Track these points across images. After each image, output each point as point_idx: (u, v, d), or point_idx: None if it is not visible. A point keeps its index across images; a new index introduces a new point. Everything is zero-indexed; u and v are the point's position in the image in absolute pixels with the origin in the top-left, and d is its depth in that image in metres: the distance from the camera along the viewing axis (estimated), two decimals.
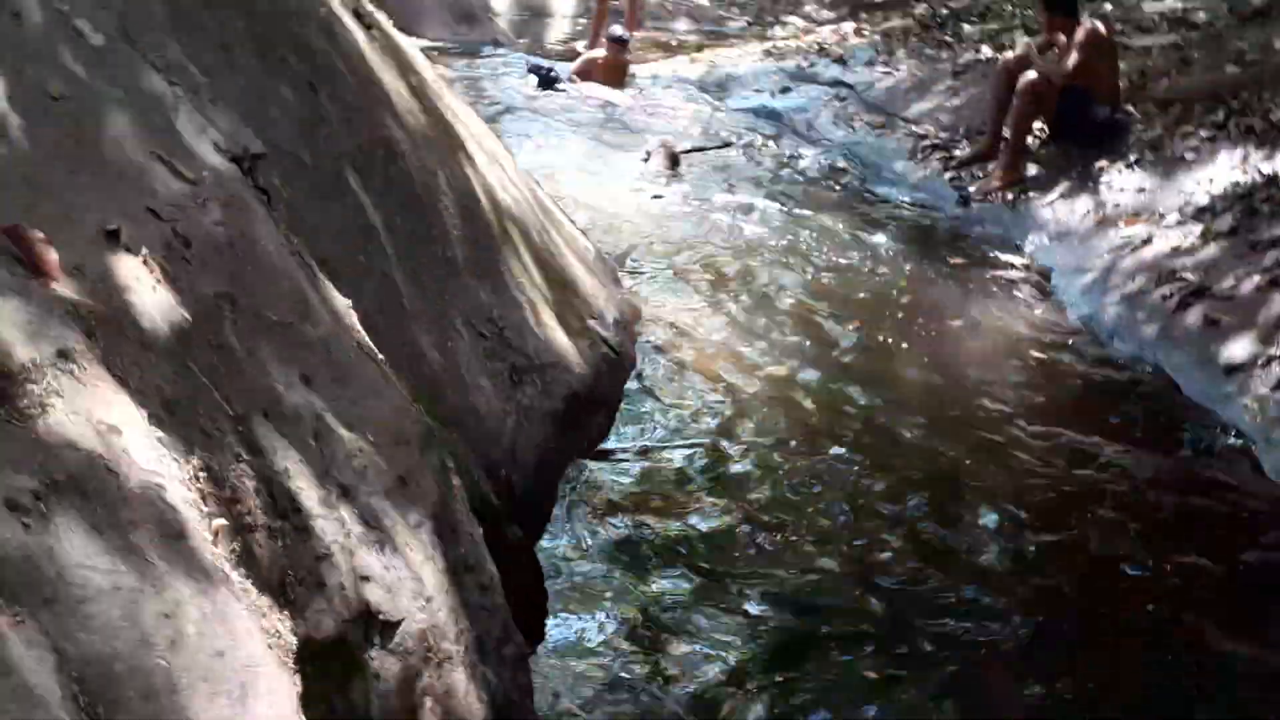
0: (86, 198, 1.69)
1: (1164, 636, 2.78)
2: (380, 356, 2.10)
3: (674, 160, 6.88)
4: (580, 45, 10.37)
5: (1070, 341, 4.66)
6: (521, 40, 11.18)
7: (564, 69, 9.20)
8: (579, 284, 3.69)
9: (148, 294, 1.56)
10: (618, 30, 9.26)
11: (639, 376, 3.64)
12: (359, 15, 3.50)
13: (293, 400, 1.70)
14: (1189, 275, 4.67)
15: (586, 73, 9.04)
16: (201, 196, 1.87)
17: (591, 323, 3.53)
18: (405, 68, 3.53)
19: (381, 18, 3.83)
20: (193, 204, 1.84)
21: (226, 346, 1.66)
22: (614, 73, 8.89)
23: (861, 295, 4.88)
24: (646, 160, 6.88)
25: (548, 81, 9.02)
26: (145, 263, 1.60)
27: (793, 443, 3.41)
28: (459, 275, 2.91)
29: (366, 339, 2.11)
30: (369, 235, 2.62)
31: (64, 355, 1.33)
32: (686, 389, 3.64)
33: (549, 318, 3.25)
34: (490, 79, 8.94)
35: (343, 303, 2.10)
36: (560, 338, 3.20)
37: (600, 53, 9.17)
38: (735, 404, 3.59)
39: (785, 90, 8.84)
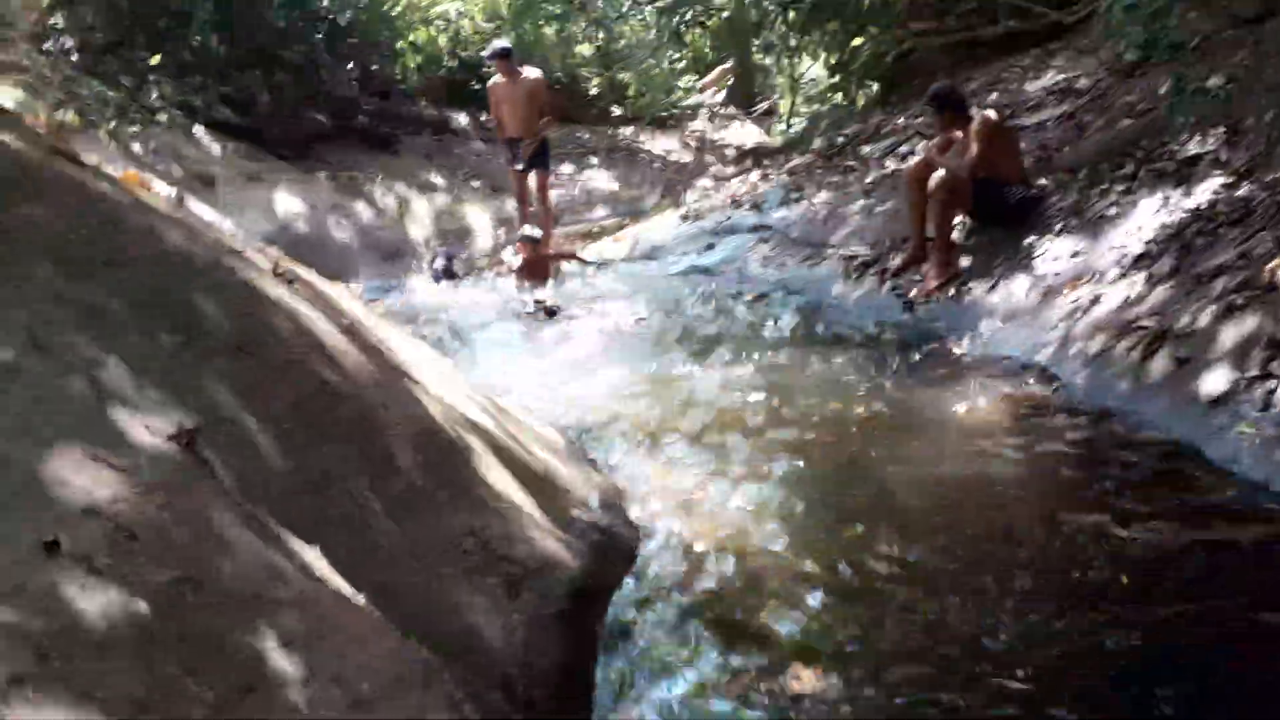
0: (20, 515, 1.61)
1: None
2: (362, 601, 2.00)
3: (550, 312, 7.81)
4: (506, 254, 10.63)
5: (1050, 415, 4.61)
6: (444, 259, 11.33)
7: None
8: (556, 478, 3.62)
9: (98, 598, 1.47)
10: (528, 230, 9.51)
11: (639, 556, 3.53)
12: (278, 274, 3.51)
13: (275, 668, 1.60)
14: (1146, 323, 4.67)
15: (511, 273, 9.29)
16: (141, 484, 1.80)
17: (577, 513, 3.44)
18: (335, 312, 3.52)
19: (303, 271, 3.85)
20: (133, 494, 1.77)
21: (193, 631, 1.56)
22: (535, 269, 9.09)
23: (838, 422, 4.82)
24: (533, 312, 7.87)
25: (448, 274, 9.53)
26: (90, 566, 1.51)
27: (810, 595, 3.28)
28: (430, 499, 2.83)
29: (345, 587, 2.01)
30: (327, 482, 2.54)
31: (17, 682, 1.24)
32: (688, 559, 3.52)
33: (533, 519, 3.16)
34: (422, 307, 9.02)
35: (311, 555, 2.01)
36: (549, 536, 3.10)
37: (517, 256, 9.39)
38: (739, 563, 3.47)
39: (710, 246, 9.02)
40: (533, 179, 10.38)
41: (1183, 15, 7.66)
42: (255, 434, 2.42)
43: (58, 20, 11.94)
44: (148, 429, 1.98)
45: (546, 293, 8.55)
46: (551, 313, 7.88)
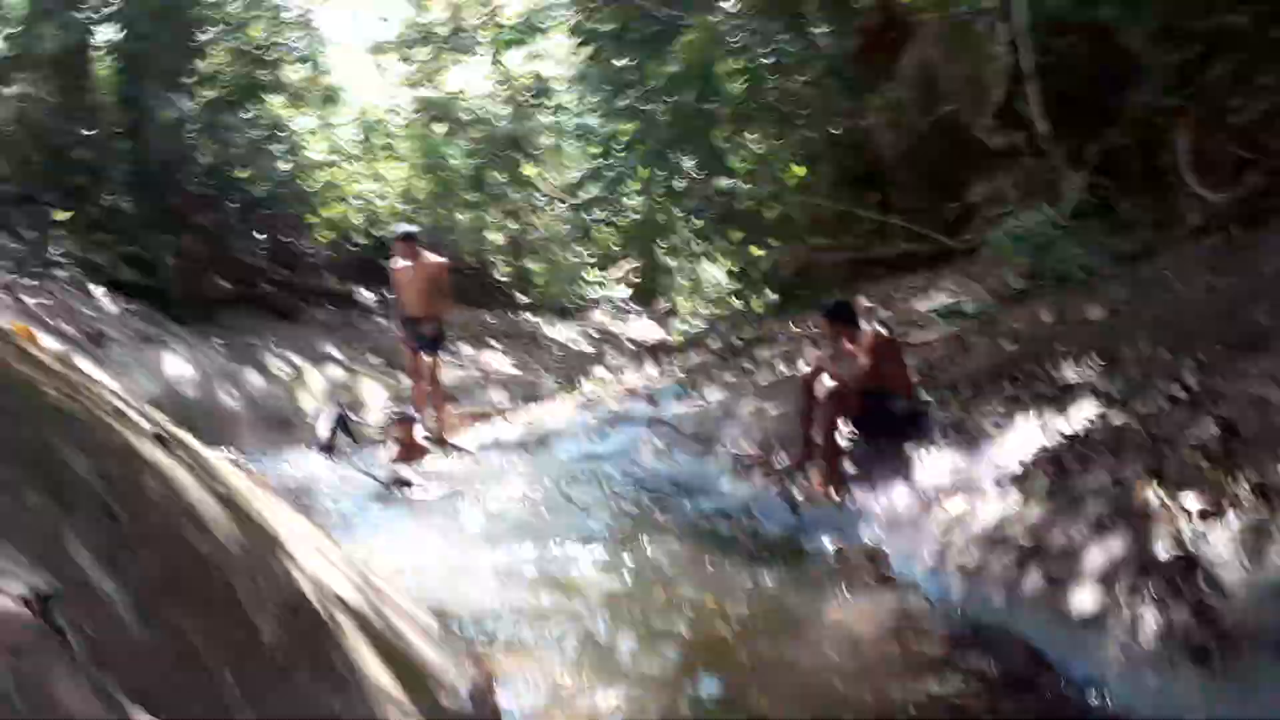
0: None
1: None
2: None
3: (405, 484, 8.10)
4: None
5: (925, 624, 4.65)
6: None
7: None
8: (426, 663, 3.52)
9: None
10: (405, 410, 9.75)
11: None
12: (160, 439, 3.45)
13: None
14: (1021, 540, 4.79)
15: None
16: None
17: (446, 703, 3.34)
18: (213, 480, 3.45)
19: (186, 436, 3.79)
20: None
21: None
22: (410, 449, 9.12)
23: (718, 618, 4.80)
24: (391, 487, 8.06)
25: (343, 427, 9.52)
26: None
27: None
28: (292, 678, 2.73)
29: None
30: (187, 656, 2.44)
31: None
32: None
33: (399, 706, 3.06)
34: (308, 478, 8.85)
35: None
36: None
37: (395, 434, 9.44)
38: None
39: (604, 435, 9.10)
40: (426, 358, 10.51)
41: (1067, 250, 8.19)
42: (116, 602, 2.33)
43: None
44: (2, 589, 1.90)
45: (407, 469, 8.55)
46: (406, 485, 8.01)
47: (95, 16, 13.54)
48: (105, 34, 14.12)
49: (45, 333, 8.48)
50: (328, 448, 9.89)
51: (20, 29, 13.19)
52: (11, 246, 10.88)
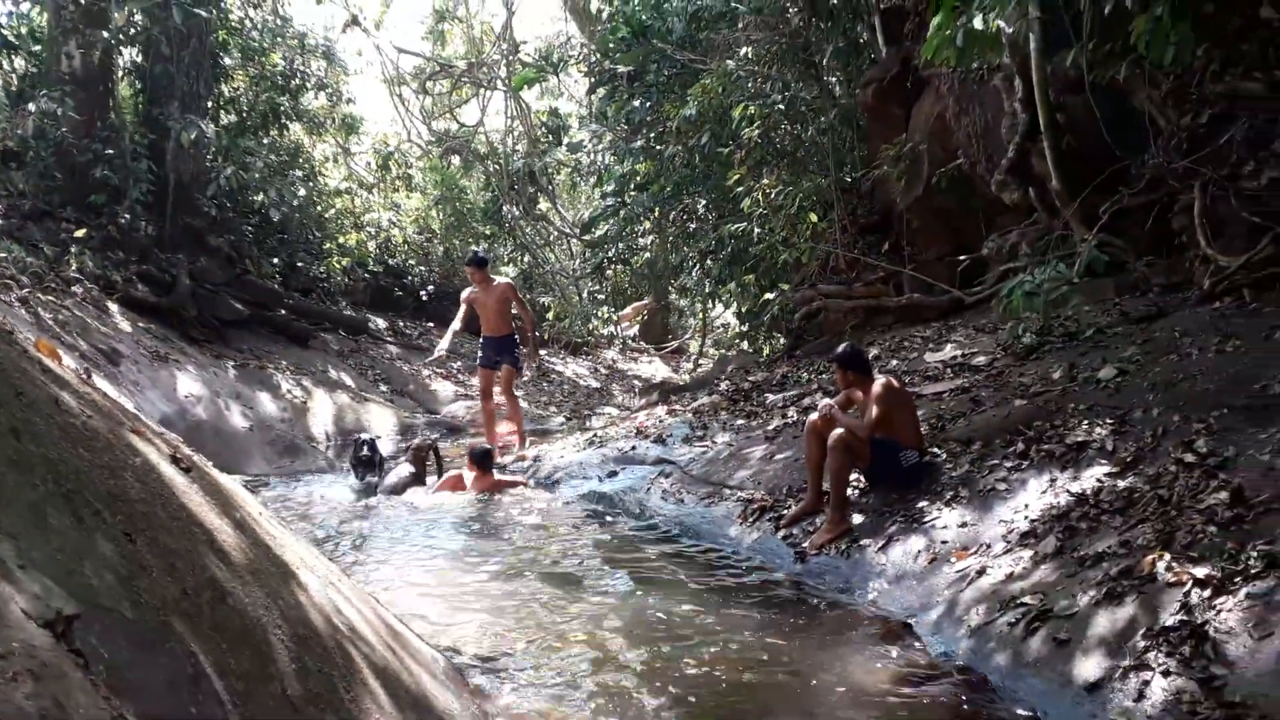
0: None
1: None
2: None
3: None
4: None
5: (932, 680, 4.62)
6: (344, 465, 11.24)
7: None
8: (431, 700, 3.52)
9: None
10: (479, 445, 10.06)
11: None
12: (176, 460, 3.47)
13: None
14: (1028, 599, 4.78)
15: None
16: (10, 670, 1.73)
17: None
18: (228, 505, 3.47)
19: (200, 459, 3.80)
20: (1, 680, 1.70)
21: None
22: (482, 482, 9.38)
23: (718, 665, 4.77)
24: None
25: (368, 462, 9.73)
26: None
27: None
28: (301, 712, 2.73)
29: None
30: (198, 683, 2.45)
31: None
32: None
33: None
34: (319, 503, 8.88)
35: None
36: None
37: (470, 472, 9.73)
38: None
39: (612, 474, 9.10)
40: (499, 373, 11.03)
41: (1078, 307, 8.22)
42: (134, 625, 2.35)
43: None
44: (26, 611, 1.92)
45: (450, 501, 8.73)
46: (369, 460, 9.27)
47: (120, 38, 13.72)
48: (129, 55, 14.32)
49: (63, 349, 8.53)
50: (367, 463, 10.09)
51: (43, 47, 13.36)
52: (29, 261, 10.94)
